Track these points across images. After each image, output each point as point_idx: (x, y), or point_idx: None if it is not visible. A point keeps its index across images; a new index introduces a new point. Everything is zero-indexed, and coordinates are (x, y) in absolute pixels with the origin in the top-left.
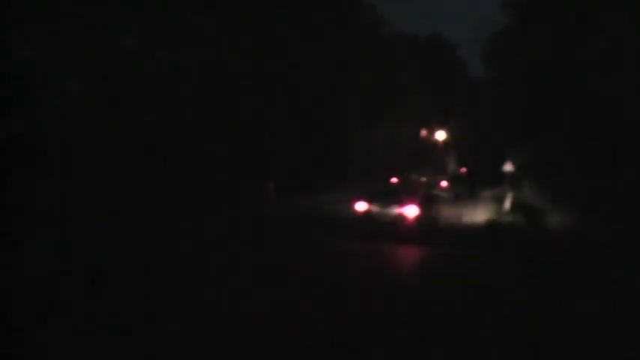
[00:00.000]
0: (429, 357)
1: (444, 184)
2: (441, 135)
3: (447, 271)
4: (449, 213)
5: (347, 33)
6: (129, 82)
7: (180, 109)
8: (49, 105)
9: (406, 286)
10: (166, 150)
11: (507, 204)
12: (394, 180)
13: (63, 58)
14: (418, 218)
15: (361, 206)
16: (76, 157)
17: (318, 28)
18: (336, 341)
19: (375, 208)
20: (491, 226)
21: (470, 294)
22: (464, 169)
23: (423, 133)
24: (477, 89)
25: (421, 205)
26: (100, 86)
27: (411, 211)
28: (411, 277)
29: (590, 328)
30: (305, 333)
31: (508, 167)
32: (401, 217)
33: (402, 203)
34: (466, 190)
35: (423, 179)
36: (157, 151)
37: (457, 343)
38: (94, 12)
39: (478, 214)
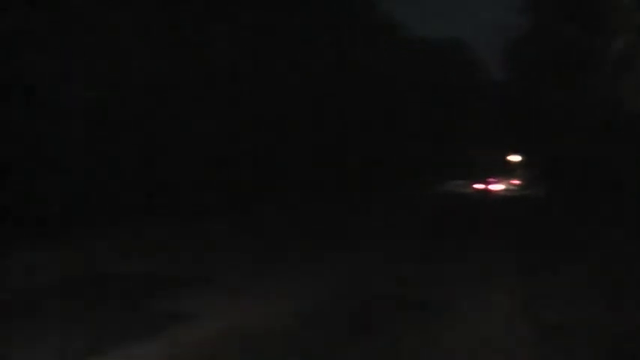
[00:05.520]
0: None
1: (516, 182)
2: (515, 157)
3: (508, 199)
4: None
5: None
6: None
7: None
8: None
9: (497, 200)
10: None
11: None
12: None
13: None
14: (499, 190)
15: (478, 186)
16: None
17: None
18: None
19: (481, 186)
20: (523, 195)
21: (512, 202)
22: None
23: (506, 156)
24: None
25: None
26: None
27: (496, 186)
28: (498, 200)
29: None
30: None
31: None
32: (490, 189)
33: (491, 184)
34: (526, 186)
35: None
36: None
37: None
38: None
39: (526, 194)
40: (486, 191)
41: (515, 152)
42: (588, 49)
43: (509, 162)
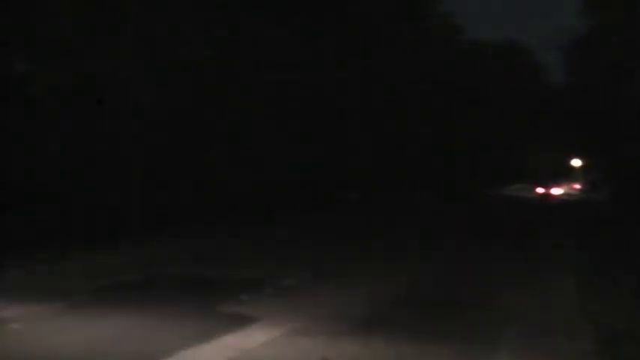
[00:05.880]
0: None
1: (577, 186)
2: (576, 162)
3: (565, 202)
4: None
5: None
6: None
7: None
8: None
9: (557, 203)
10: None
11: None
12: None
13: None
14: (560, 194)
15: (540, 190)
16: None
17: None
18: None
19: (543, 190)
20: (583, 199)
21: (568, 204)
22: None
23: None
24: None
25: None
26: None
27: (557, 191)
28: (558, 203)
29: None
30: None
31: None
32: (551, 193)
33: (552, 188)
34: (587, 190)
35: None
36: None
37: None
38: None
39: (586, 197)
40: (547, 195)
41: (576, 156)
42: None
43: (570, 166)
